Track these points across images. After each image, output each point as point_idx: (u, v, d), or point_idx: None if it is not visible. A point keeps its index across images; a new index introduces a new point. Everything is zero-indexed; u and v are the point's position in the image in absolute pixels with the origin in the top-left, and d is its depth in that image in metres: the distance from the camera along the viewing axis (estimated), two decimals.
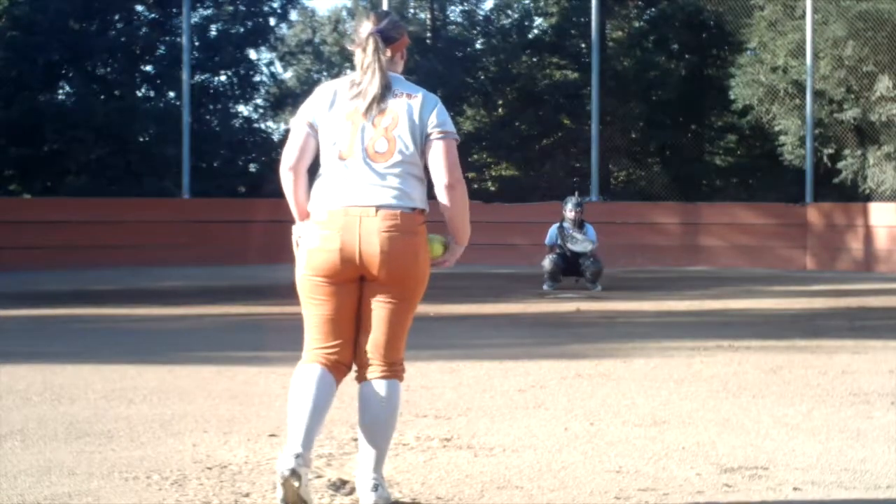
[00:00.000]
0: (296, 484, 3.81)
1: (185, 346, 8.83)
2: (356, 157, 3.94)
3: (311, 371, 3.98)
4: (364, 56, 4.00)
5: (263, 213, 19.36)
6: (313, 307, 4.01)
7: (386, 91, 3.97)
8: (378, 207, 3.90)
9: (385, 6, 21.10)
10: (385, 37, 4.02)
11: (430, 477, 4.52)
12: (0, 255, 17.09)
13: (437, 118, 4.01)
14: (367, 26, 4.04)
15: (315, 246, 3.96)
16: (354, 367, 4.07)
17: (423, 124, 3.99)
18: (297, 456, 3.82)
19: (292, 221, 4.19)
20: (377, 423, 4.01)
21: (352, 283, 3.96)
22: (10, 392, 6.41)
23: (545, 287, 14.03)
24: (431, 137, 3.99)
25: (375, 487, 4.00)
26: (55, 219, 17.94)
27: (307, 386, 3.94)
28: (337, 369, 4.01)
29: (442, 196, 4.02)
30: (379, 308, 3.98)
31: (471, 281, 15.26)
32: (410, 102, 4.00)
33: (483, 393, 6.49)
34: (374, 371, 4.03)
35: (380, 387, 4.00)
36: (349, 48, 4.11)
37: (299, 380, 3.98)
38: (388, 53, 4.02)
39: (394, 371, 4.04)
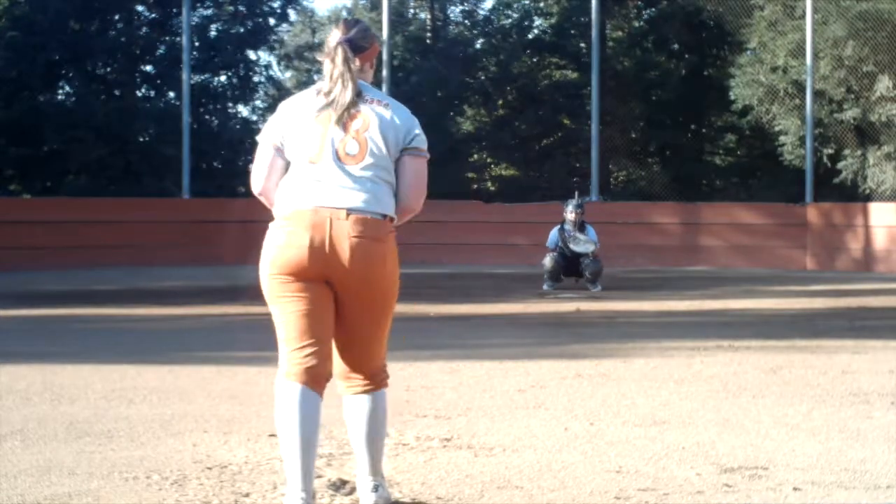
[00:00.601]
0: None
1: (185, 346, 8.83)
2: (326, 159, 3.86)
3: (292, 395, 3.82)
4: (333, 67, 3.95)
5: (264, 213, 19.35)
6: (283, 306, 3.86)
7: (357, 99, 3.92)
8: (349, 211, 3.81)
9: (385, 7, 21.09)
10: (354, 46, 3.97)
11: (430, 477, 4.52)
12: (0, 255, 17.09)
13: (416, 132, 3.96)
14: (335, 35, 3.99)
15: (281, 242, 3.84)
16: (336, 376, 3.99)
17: (398, 133, 3.93)
18: (303, 500, 3.80)
19: None
20: (367, 436, 3.98)
21: (319, 283, 3.83)
22: (10, 392, 6.41)
23: (545, 287, 14.03)
24: (407, 153, 3.94)
25: (375, 488, 4.02)
26: (55, 219, 17.93)
27: (292, 416, 3.80)
28: (316, 381, 3.84)
29: (399, 209, 3.97)
30: (352, 321, 3.89)
31: (471, 281, 15.27)
32: (381, 109, 3.94)
33: (483, 393, 6.49)
34: (357, 385, 3.97)
35: (364, 402, 3.96)
36: (318, 58, 4.05)
37: (283, 408, 3.83)
38: (357, 63, 3.96)
39: (377, 382, 3.98)
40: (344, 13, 34.90)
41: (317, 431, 3.86)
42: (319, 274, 3.82)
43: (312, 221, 3.81)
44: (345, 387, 4.00)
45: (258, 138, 4.07)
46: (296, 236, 3.81)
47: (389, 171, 3.92)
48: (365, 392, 3.97)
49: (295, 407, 3.81)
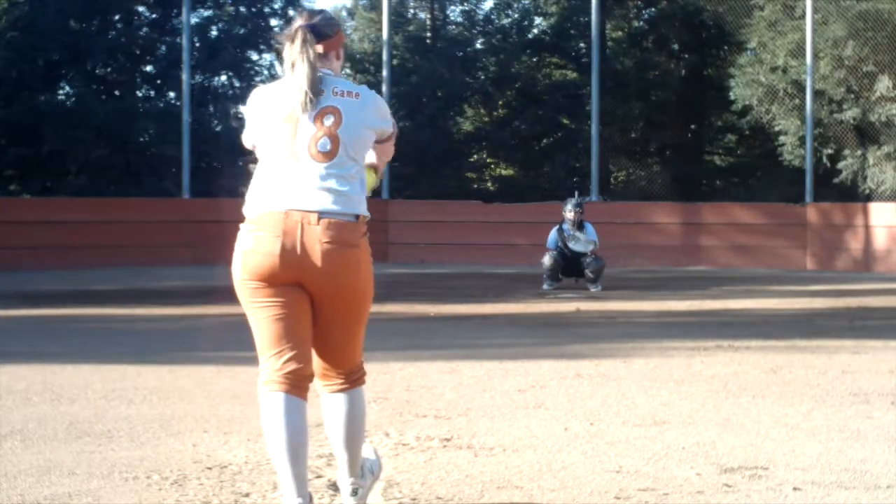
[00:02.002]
0: None
1: (185, 346, 8.83)
2: (297, 157, 3.75)
3: (276, 404, 3.71)
4: (291, 49, 3.80)
5: None
6: (256, 312, 3.79)
7: (317, 86, 3.76)
8: (320, 214, 3.71)
9: (385, 7, 21.09)
10: (316, 32, 3.81)
11: (430, 477, 4.52)
12: (0, 255, 17.08)
13: (386, 119, 3.90)
14: (296, 21, 3.86)
15: (250, 248, 3.76)
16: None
17: (372, 124, 3.85)
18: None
19: None
20: (346, 434, 3.91)
21: (292, 286, 3.73)
22: (10, 392, 6.41)
23: (545, 287, 14.03)
24: (381, 138, 3.92)
25: (354, 492, 3.96)
26: (55, 219, 17.93)
27: (278, 426, 3.70)
28: (298, 386, 3.75)
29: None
30: (326, 324, 3.81)
31: (471, 281, 15.27)
32: (353, 100, 3.81)
33: (483, 393, 6.49)
34: (335, 384, 3.91)
35: (342, 400, 3.90)
36: (277, 46, 3.93)
37: (269, 418, 3.72)
38: (321, 49, 3.81)
39: (353, 380, 3.92)
40: (344, 13, 34.89)
41: (305, 437, 3.76)
42: (291, 279, 3.73)
43: (284, 227, 3.72)
44: (322, 385, 3.94)
45: (243, 137, 4.01)
46: (266, 242, 3.74)
47: (356, 165, 3.83)
48: (341, 391, 3.90)
49: (280, 417, 3.71)
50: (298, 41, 3.79)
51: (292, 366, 3.73)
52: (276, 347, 3.76)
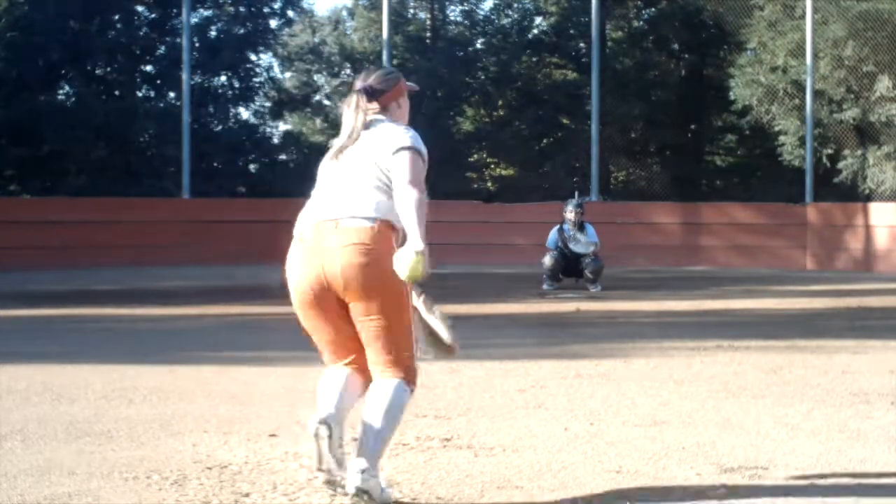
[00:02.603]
0: (325, 434, 3.97)
1: (185, 346, 8.83)
2: (327, 181, 4.21)
3: (339, 370, 4.21)
4: (346, 111, 4.25)
5: (264, 213, 19.36)
6: (310, 330, 4.24)
7: (357, 136, 4.21)
8: (338, 220, 4.06)
9: (385, 7, 21.08)
10: (371, 91, 4.23)
11: (430, 477, 4.52)
12: (0, 255, 17.09)
13: (399, 143, 4.13)
14: (356, 84, 4.28)
15: (288, 267, 4.20)
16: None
17: (387, 147, 4.13)
18: (323, 419, 4.00)
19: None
20: (365, 414, 4.07)
21: (330, 301, 4.09)
22: (10, 392, 6.41)
23: (545, 287, 14.03)
24: (393, 154, 4.12)
25: (362, 471, 3.95)
26: (55, 219, 17.93)
27: (333, 377, 4.19)
28: (362, 373, 4.19)
29: (398, 201, 4.07)
30: (364, 328, 4.10)
31: (471, 281, 15.27)
32: (378, 131, 4.19)
33: (483, 393, 6.50)
34: (376, 373, 4.14)
35: (376, 385, 4.11)
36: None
37: (327, 375, 4.21)
38: (376, 106, 4.23)
39: (393, 371, 4.09)
40: (344, 13, 34.88)
41: (355, 390, 4.17)
42: (327, 294, 4.08)
43: (307, 243, 4.13)
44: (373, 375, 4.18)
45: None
46: (294, 264, 4.15)
47: (381, 179, 4.11)
48: (379, 377, 4.12)
49: (340, 374, 4.19)
50: (352, 104, 4.25)
51: (353, 365, 4.22)
52: (336, 361, 4.25)
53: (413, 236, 3.95)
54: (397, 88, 4.29)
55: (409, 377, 4.12)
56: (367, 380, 4.15)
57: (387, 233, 4.05)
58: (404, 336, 4.11)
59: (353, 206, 4.06)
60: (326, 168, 4.25)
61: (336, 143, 4.25)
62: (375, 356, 4.11)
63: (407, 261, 3.90)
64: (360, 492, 3.94)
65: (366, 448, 4.01)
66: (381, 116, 4.23)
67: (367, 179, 4.11)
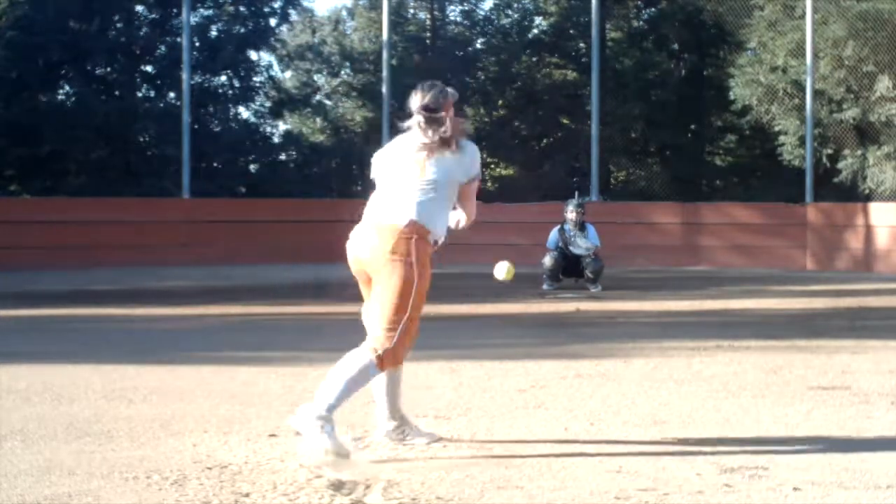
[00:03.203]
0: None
1: (185, 346, 8.83)
2: (387, 190, 4.98)
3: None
4: (412, 128, 4.94)
5: (264, 213, 19.37)
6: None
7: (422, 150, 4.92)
8: (374, 225, 4.93)
9: (385, 7, 21.08)
10: (429, 110, 4.91)
11: (430, 477, 4.52)
12: (0, 255, 17.09)
13: (469, 168, 4.98)
14: (415, 101, 4.94)
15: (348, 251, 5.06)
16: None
17: (457, 172, 4.95)
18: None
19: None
20: (332, 371, 4.81)
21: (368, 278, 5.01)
22: (10, 392, 6.41)
23: (545, 287, 14.03)
24: (465, 183, 5.00)
25: (399, 429, 5.08)
26: (55, 219, 17.93)
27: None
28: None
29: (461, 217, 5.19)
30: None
31: (471, 281, 15.26)
32: (450, 154, 4.91)
33: (483, 393, 6.50)
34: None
35: (353, 351, 4.85)
36: (402, 124, 4.99)
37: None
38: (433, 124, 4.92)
39: (366, 344, 4.84)
40: (344, 13, 34.88)
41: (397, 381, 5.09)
42: (363, 272, 4.97)
43: (357, 232, 5.00)
44: None
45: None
46: (350, 245, 5.01)
47: (445, 197, 4.94)
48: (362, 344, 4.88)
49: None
50: (414, 124, 4.94)
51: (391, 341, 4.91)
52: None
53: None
54: (448, 103, 4.95)
55: (377, 350, 4.81)
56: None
57: (402, 233, 4.83)
58: (386, 317, 4.82)
59: (388, 217, 4.88)
60: (394, 167, 4.98)
61: (407, 156, 4.95)
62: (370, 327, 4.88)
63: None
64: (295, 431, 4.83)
65: (320, 398, 4.73)
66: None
67: (426, 193, 4.89)
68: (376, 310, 4.82)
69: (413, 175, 4.87)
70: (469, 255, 18.88)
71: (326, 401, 4.71)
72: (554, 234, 14.22)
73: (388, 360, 4.80)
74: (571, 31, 26.95)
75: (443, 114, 4.91)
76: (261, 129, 26.01)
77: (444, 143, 4.89)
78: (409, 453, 4.93)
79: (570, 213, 14.14)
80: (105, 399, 6.22)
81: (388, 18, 21.16)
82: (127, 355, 7.98)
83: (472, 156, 5.00)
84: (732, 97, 20.86)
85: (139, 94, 24.09)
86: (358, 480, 4.43)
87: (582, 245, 13.95)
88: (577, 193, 15.54)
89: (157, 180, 21.66)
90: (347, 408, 5.33)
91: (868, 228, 18.74)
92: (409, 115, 4.97)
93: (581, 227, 14.11)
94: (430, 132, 4.88)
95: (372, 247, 4.84)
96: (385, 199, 4.92)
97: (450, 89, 5.02)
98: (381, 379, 4.95)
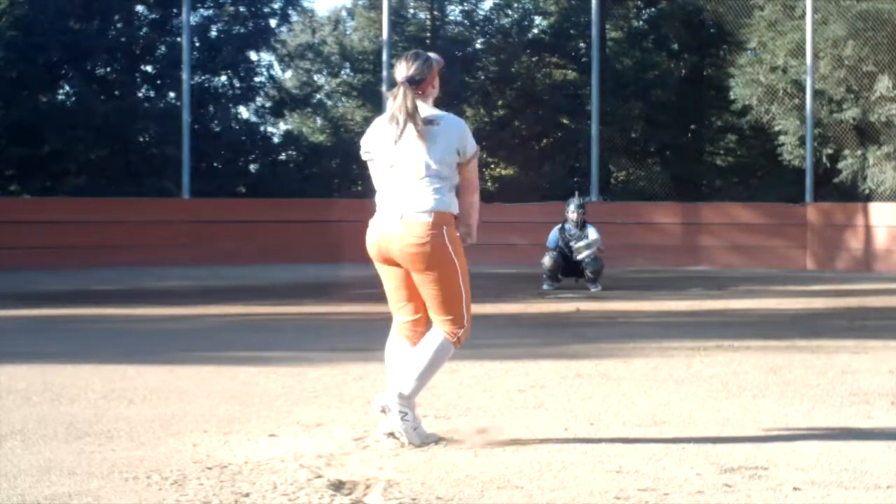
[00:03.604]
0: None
1: (185, 346, 8.83)
2: (393, 176, 5.01)
3: (392, 340, 5.20)
4: (393, 103, 4.96)
5: (264, 213, 19.36)
6: (382, 279, 5.21)
7: (411, 125, 4.92)
8: (402, 215, 4.97)
9: (385, 7, 21.09)
10: (414, 83, 4.96)
11: (430, 477, 4.52)
12: (0, 255, 17.09)
13: (464, 145, 5.01)
14: (400, 71, 4.97)
15: (367, 237, 5.10)
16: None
17: (449, 150, 4.97)
18: (385, 404, 5.01)
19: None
20: (410, 357, 5.05)
21: (393, 264, 5.07)
22: (10, 392, 6.41)
23: (545, 287, 14.03)
24: (461, 162, 5.03)
25: (403, 415, 4.97)
26: (55, 219, 17.94)
27: (388, 350, 5.20)
28: (409, 332, 5.15)
29: (462, 205, 5.15)
30: (422, 290, 5.07)
31: (471, 281, 15.26)
32: (435, 128, 4.95)
33: (483, 393, 6.49)
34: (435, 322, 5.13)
35: (428, 334, 5.10)
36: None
37: (392, 348, 5.18)
38: (419, 91, 4.97)
39: (442, 329, 5.05)
40: (344, 13, 34.89)
41: (397, 360, 5.14)
42: (389, 260, 5.06)
43: (381, 223, 5.04)
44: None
45: (363, 155, 5.19)
46: (372, 235, 5.08)
47: (440, 178, 4.96)
48: (435, 327, 5.10)
49: (390, 345, 5.21)
50: (399, 97, 4.95)
51: (403, 316, 5.18)
52: (393, 303, 5.20)
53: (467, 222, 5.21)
54: (433, 73, 5.01)
55: (456, 334, 5.05)
56: (412, 340, 5.12)
57: (433, 221, 4.96)
58: (450, 301, 5.05)
59: (415, 205, 4.95)
60: (389, 156, 5.00)
61: (392, 133, 4.97)
62: (433, 313, 5.09)
63: None
64: (391, 435, 5.02)
65: (403, 384, 4.96)
66: (420, 101, 4.97)
67: (432, 183, 4.95)
68: (434, 304, 5.04)
69: (416, 162, 4.94)
70: (469, 255, 18.89)
71: (409, 385, 4.97)
72: (554, 234, 14.22)
73: (465, 336, 5.11)
74: (571, 31, 26.95)
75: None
76: (261, 130, 26.00)
77: (410, 116, 4.93)
78: (410, 453, 4.93)
79: (572, 214, 14.14)
80: (105, 399, 6.22)
81: (388, 18, 21.17)
82: (127, 355, 7.98)
83: (458, 130, 5.02)
84: (732, 97, 20.86)
85: (139, 94, 24.09)
86: (358, 480, 4.43)
87: (584, 247, 13.89)
88: (577, 193, 15.54)
89: (157, 180, 21.67)
90: (348, 408, 5.34)
91: (868, 228, 18.75)
92: (394, 85, 5.00)
93: (582, 227, 14.10)
94: (408, 102, 4.92)
95: (402, 240, 4.95)
96: (400, 189, 4.97)
97: (433, 55, 5.07)
98: (398, 348, 5.16)
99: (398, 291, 5.15)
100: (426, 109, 5.01)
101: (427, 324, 5.15)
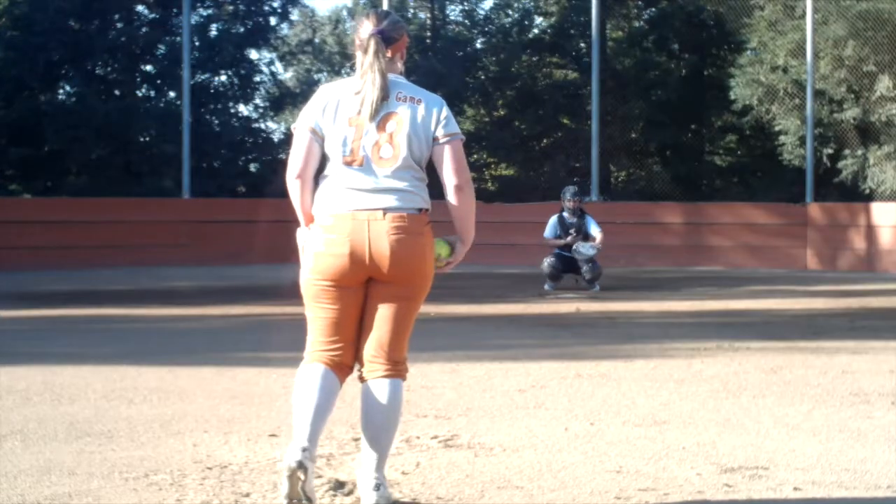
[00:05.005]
0: (301, 477, 3.79)
1: (185, 346, 8.83)
2: (361, 161, 3.95)
3: (315, 370, 3.98)
4: (364, 57, 4.00)
5: (264, 213, 19.36)
6: (318, 311, 4.00)
7: (386, 94, 3.97)
8: (385, 210, 3.92)
9: (385, 6, 21.09)
10: (386, 37, 4.02)
11: (430, 477, 4.52)
12: (0, 255, 17.09)
13: (444, 122, 4.05)
14: (367, 27, 4.03)
15: (320, 250, 3.94)
16: (357, 367, 4.07)
17: (429, 129, 4.02)
18: (304, 450, 3.82)
19: (293, 222, 4.21)
20: (380, 425, 4.01)
21: (358, 286, 3.97)
22: (10, 392, 6.41)
23: (546, 287, 14.02)
24: (440, 142, 4.03)
25: (377, 487, 3.98)
26: (55, 219, 17.94)
27: (311, 384, 3.95)
28: (340, 369, 4.01)
29: (451, 197, 4.06)
30: (385, 307, 3.99)
31: (471, 281, 15.26)
32: (415, 106, 4.01)
33: (483, 393, 6.49)
34: (378, 370, 4.02)
35: (383, 386, 4.00)
36: (351, 51, 4.06)
37: (303, 378, 3.99)
38: (389, 54, 4.02)
39: (397, 370, 4.03)
40: (344, 13, 34.89)
41: (331, 401, 3.96)
42: (360, 277, 3.96)
43: (352, 227, 3.91)
44: (366, 372, 4.04)
45: (294, 126, 4.11)
46: (336, 245, 3.92)
47: (422, 168, 4.03)
48: (386, 377, 4.01)
49: (315, 378, 3.97)
50: (371, 50, 3.99)
51: (338, 353, 4.01)
52: (326, 345, 4.02)
53: (466, 236, 4.25)
54: (404, 39, 4.13)
55: (406, 373, 4.10)
56: (343, 378, 4.04)
57: (426, 218, 4.05)
58: (411, 327, 4.09)
59: (402, 198, 3.96)
60: (357, 134, 3.95)
61: (363, 96, 3.95)
62: (384, 347, 4.01)
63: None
64: None
65: (383, 457, 4.02)
66: (391, 73, 4.04)
67: (414, 173, 3.99)
68: (395, 329, 4.01)
69: (398, 147, 3.96)
70: (470, 255, 18.89)
71: (388, 450, 4.08)
72: (553, 223, 14.13)
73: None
74: (571, 31, 26.96)
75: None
76: (261, 129, 26.01)
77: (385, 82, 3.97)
78: (410, 453, 4.93)
79: (568, 202, 14.08)
80: (105, 399, 6.22)
81: None
82: (127, 355, 7.98)
83: (436, 105, 4.07)
84: (733, 97, 20.87)
85: (139, 94, 24.12)
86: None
87: (583, 251, 13.86)
88: (574, 182, 15.52)
89: (158, 180, 21.68)
90: (347, 410, 5.34)
91: (870, 228, 18.74)
92: (357, 45, 4.06)
93: (580, 215, 14.05)
94: (383, 62, 3.97)
95: (391, 234, 3.91)
96: (371, 180, 3.95)
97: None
98: (326, 383, 3.99)
99: (343, 322, 3.98)
100: (401, 82, 4.06)
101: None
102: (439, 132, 4.02)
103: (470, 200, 4.10)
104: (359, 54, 4.02)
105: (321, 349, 4.00)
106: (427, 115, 4.01)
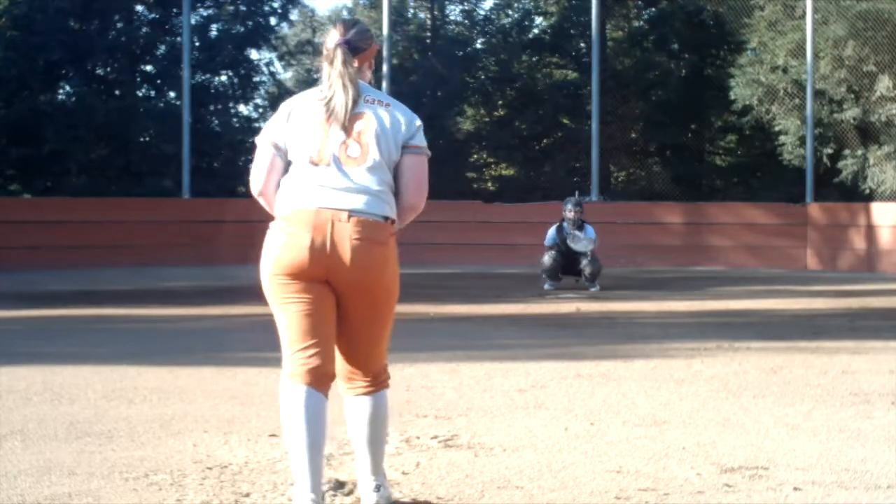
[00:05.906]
0: None
1: (185, 346, 8.82)
2: (328, 161, 3.87)
3: (297, 395, 3.83)
4: (332, 69, 3.94)
5: (264, 213, 19.33)
6: (284, 307, 3.86)
7: (356, 98, 3.91)
8: (350, 213, 3.81)
9: (385, 6, 21.08)
10: (353, 47, 3.96)
11: (430, 477, 4.52)
12: (0, 255, 17.08)
13: (417, 133, 3.97)
14: (334, 36, 3.98)
15: (281, 243, 3.83)
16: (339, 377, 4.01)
17: (399, 132, 3.93)
18: (313, 501, 3.77)
19: None
20: (370, 436, 4.00)
21: (320, 283, 3.82)
22: (10, 392, 6.41)
23: (545, 287, 14.02)
24: (409, 150, 3.95)
25: (377, 488, 4.02)
26: (55, 219, 17.92)
27: (297, 416, 3.81)
28: (320, 382, 3.84)
29: (401, 210, 3.98)
30: (353, 322, 3.89)
31: (471, 281, 15.26)
32: (382, 110, 3.94)
33: (483, 393, 6.49)
34: (360, 387, 3.98)
35: (366, 403, 3.98)
36: (317, 62, 4.02)
37: (288, 408, 3.85)
38: (356, 64, 3.96)
39: (379, 382, 3.99)
40: (345, 13, 34.89)
41: (324, 432, 3.86)
42: (320, 275, 3.81)
43: (314, 222, 3.80)
44: (346, 388, 4.02)
45: (257, 139, 4.04)
46: (297, 237, 3.80)
47: (390, 173, 3.93)
48: (367, 393, 3.98)
49: (301, 408, 3.82)
50: (338, 61, 3.93)
51: (316, 361, 3.82)
52: (302, 343, 3.85)
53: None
54: (372, 49, 4.05)
55: (388, 381, 4.06)
56: (327, 391, 3.88)
57: (392, 229, 3.95)
58: (387, 336, 4.02)
59: (368, 202, 3.84)
60: (323, 134, 3.89)
61: (333, 107, 3.89)
62: (361, 363, 3.96)
63: None
64: None
65: (378, 463, 4.05)
66: (359, 80, 3.98)
67: (382, 175, 3.88)
68: (373, 338, 3.94)
69: (365, 152, 3.88)
70: (469, 256, 18.90)
71: (383, 457, 4.11)
72: (552, 232, 14.19)
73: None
74: (571, 31, 26.94)
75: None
76: (261, 129, 25.99)
77: (355, 89, 3.92)
78: (409, 453, 4.93)
79: (569, 213, 14.12)
80: (105, 399, 6.22)
81: (388, 18, 21.16)
82: (127, 355, 7.98)
83: (409, 115, 3.98)
84: (733, 97, 20.85)
85: (139, 94, 24.09)
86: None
87: (581, 238, 13.89)
88: (576, 192, 15.53)
89: (158, 180, 21.66)
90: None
91: (870, 228, 18.74)
92: (324, 56, 4.00)
93: (580, 226, 14.09)
94: (350, 70, 3.91)
95: (355, 240, 3.79)
96: (338, 184, 3.84)
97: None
98: (316, 407, 3.86)
99: (314, 322, 3.84)
100: (370, 88, 4.03)
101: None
102: (412, 141, 3.95)
103: (413, 216, 4.03)
104: (325, 65, 3.97)
105: (299, 361, 3.85)
106: (397, 120, 3.94)
